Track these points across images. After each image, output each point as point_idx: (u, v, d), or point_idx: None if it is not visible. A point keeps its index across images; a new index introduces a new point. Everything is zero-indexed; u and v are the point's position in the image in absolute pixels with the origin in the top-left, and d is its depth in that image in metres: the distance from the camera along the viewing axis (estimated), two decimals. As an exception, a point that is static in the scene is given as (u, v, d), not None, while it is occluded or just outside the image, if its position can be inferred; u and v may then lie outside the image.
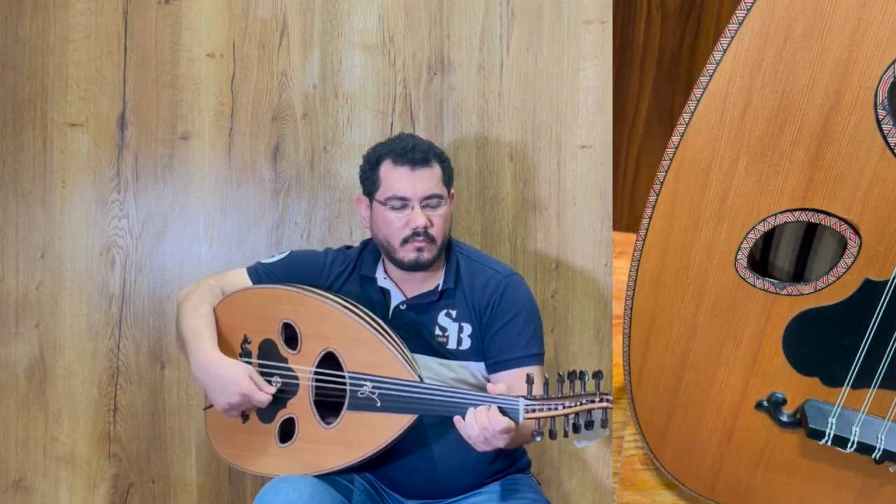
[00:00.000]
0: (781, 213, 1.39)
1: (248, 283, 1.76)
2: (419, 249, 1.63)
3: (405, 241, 1.63)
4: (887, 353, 1.32)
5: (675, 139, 1.54)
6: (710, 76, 1.45)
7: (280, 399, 1.67)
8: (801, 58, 1.34)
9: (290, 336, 1.68)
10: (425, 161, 1.63)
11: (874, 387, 1.37)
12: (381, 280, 1.72)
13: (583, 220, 2.14)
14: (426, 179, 1.62)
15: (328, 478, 1.62)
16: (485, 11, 2.11)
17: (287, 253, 1.80)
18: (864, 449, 1.41)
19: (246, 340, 1.71)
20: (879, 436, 1.39)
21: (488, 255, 1.80)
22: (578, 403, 1.41)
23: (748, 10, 1.36)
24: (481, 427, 1.44)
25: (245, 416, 1.71)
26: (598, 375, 1.43)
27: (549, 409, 1.43)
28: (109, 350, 2.14)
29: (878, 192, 1.30)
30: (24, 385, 2.13)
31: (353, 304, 1.65)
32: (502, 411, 1.44)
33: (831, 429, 1.41)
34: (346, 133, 2.14)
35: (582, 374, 1.43)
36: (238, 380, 1.61)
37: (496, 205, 2.15)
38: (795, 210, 1.37)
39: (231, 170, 2.13)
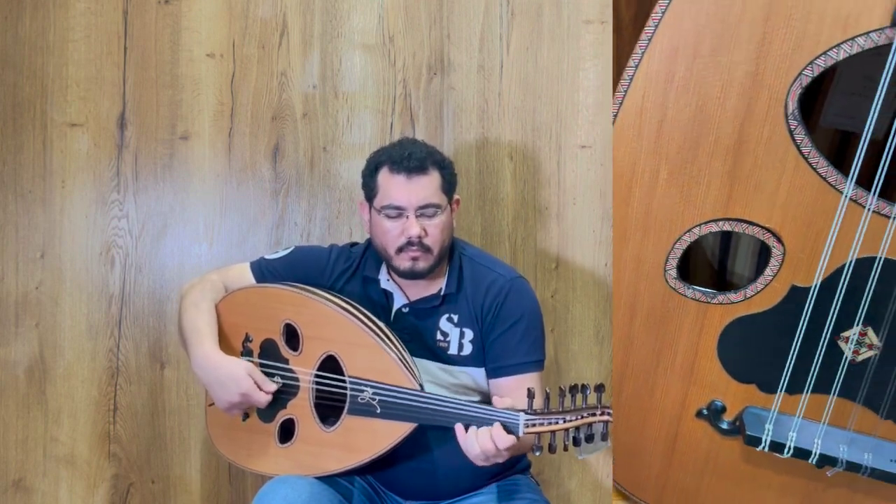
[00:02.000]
0: (705, 223, 1.43)
1: (251, 278, 1.76)
2: (414, 259, 1.62)
3: (400, 249, 1.62)
4: (816, 357, 1.33)
5: None
6: (625, 92, 1.47)
7: (280, 399, 1.67)
8: (712, 72, 1.37)
9: (292, 337, 1.68)
10: (422, 169, 1.61)
11: (807, 392, 1.38)
12: (384, 282, 1.72)
13: (583, 220, 2.14)
14: (422, 188, 1.61)
15: (328, 478, 1.62)
16: (485, 11, 2.11)
17: (291, 249, 1.79)
18: (802, 454, 1.41)
19: (247, 339, 1.71)
20: (815, 440, 1.39)
21: (494, 258, 1.79)
22: (579, 417, 1.40)
23: (656, 26, 1.39)
24: (483, 449, 1.43)
25: (245, 415, 1.71)
26: (599, 389, 1.42)
27: (550, 424, 1.42)
28: (109, 350, 2.14)
29: (797, 201, 1.33)
30: (24, 385, 2.13)
31: (355, 307, 1.65)
32: (505, 428, 1.44)
33: (768, 435, 1.42)
34: (346, 133, 2.13)
35: (583, 387, 1.42)
36: (238, 379, 1.61)
37: (496, 205, 2.15)
38: (719, 220, 1.40)
39: (231, 170, 2.13)
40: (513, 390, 1.58)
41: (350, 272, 1.75)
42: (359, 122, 2.13)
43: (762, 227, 1.35)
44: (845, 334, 1.34)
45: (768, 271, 1.36)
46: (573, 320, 2.16)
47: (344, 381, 1.61)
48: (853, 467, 1.39)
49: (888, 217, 1.19)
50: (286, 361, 1.68)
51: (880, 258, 1.23)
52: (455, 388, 1.68)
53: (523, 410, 1.44)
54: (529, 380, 1.63)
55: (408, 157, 1.61)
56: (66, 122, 2.11)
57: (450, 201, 1.67)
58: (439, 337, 1.69)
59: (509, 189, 2.14)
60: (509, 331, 1.66)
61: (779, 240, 1.34)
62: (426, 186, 1.62)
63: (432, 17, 2.12)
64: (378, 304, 1.72)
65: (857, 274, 1.26)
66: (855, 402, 1.35)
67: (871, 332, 1.32)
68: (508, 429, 1.43)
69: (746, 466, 1.50)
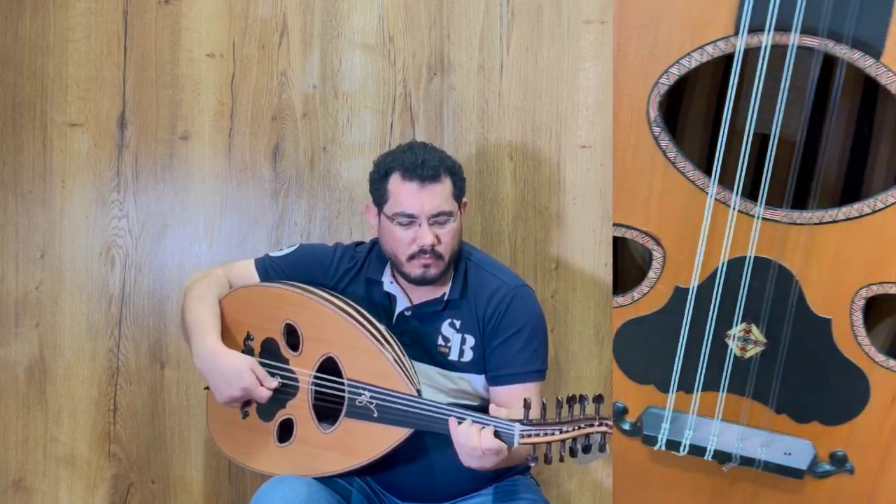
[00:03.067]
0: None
1: (255, 275, 1.75)
2: (426, 266, 1.61)
3: (412, 257, 1.61)
4: (703, 356, 1.36)
5: None
6: None
7: (280, 399, 1.67)
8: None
9: (292, 337, 1.68)
10: (435, 177, 1.60)
11: (698, 390, 1.40)
12: (388, 285, 1.71)
13: (583, 220, 2.14)
14: (435, 196, 1.60)
15: (326, 479, 1.62)
16: (485, 11, 2.11)
17: (296, 247, 1.79)
18: (697, 451, 1.43)
19: (249, 337, 1.72)
20: (711, 437, 1.41)
21: (500, 264, 1.79)
22: (576, 428, 1.40)
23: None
24: (471, 446, 1.44)
25: (245, 413, 1.72)
26: (598, 399, 1.41)
27: (546, 434, 1.42)
28: (109, 350, 2.14)
29: (670, 205, 1.33)
30: (24, 385, 2.13)
31: (356, 310, 1.65)
32: (497, 435, 1.44)
33: (664, 434, 1.44)
34: (346, 133, 2.13)
35: (581, 397, 1.42)
36: (241, 373, 1.61)
37: (496, 205, 2.15)
38: (614, 225, 1.43)
39: (231, 170, 2.13)
40: (512, 399, 1.57)
41: (353, 272, 1.74)
42: (359, 122, 2.13)
43: (641, 231, 1.37)
44: (730, 332, 1.36)
45: (651, 274, 1.38)
46: (573, 320, 2.16)
47: (343, 384, 1.61)
48: (747, 462, 1.41)
49: (753, 217, 1.23)
50: (286, 361, 1.68)
51: (750, 257, 1.26)
52: (454, 393, 1.68)
53: (519, 421, 1.44)
54: (529, 390, 1.63)
55: (421, 164, 1.60)
56: (66, 122, 2.11)
57: (459, 206, 1.67)
58: (440, 342, 1.68)
59: (509, 189, 2.14)
60: (511, 339, 1.65)
61: (658, 243, 1.36)
62: (439, 194, 1.61)
63: (432, 17, 2.12)
64: (380, 306, 1.71)
65: (732, 273, 1.29)
66: (745, 398, 1.38)
67: (755, 329, 1.35)
68: (500, 436, 1.44)
69: (654, 466, 1.52)
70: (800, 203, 1.27)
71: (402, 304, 1.71)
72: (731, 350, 1.38)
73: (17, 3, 2.08)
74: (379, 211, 1.66)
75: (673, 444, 1.45)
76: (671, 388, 1.42)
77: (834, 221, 1.22)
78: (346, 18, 2.12)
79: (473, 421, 1.46)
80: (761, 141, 1.25)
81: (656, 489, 1.53)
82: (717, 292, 1.33)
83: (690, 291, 1.34)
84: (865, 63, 1.12)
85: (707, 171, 1.26)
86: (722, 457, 1.43)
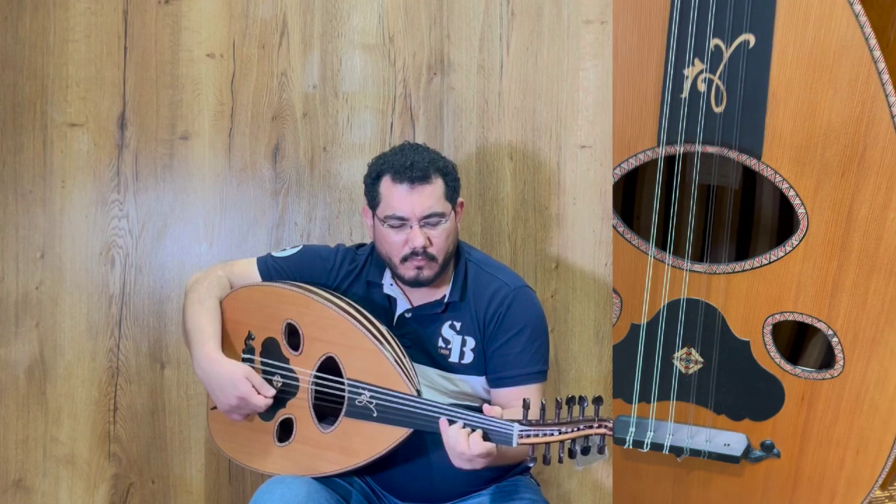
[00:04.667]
0: None
1: (256, 275, 1.76)
2: (419, 268, 1.62)
3: (405, 259, 1.62)
4: (655, 374, 1.78)
5: None
6: None
7: (280, 399, 1.67)
8: None
9: (293, 337, 1.68)
10: (425, 178, 1.60)
11: (654, 400, 1.79)
12: (388, 287, 1.72)
13: (583, 220, 2.14)
14: (426, 198, 1.60)
15: (326, 479, 1.62)
16: (485, 11, 2.11)
17: (300, 248, 1.79)
18: (657, 447, 1.82)
19: (250, 337, 1.72)
20: (667, 435, 1.80)
21: (500, 264, 1.79)
22: (575, 429, 1.40)
23: None
24: (459, 450, 1.44)
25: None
26: (597, 401, 1.42)
27: (545, 435, 1.42)
28: (109, 350, 2.14)
29: (621, 264, 1.86)
30: (24, 385, 2.13)
31: (356, 310, 1.65)
32: (485, 436, 1.44)
33: (630, 436, 1.83)
34: (346, 133, 2.14)
35: (581, 399, 1.42)
36: (236, 382, 1.61)
37: (496, 205, 2.15)
38: None
39: (231, 170, 2.13)
40: (514, 401, 1.57)
41: (354, 274, 1.75)
42: (359, 122, 2.13)
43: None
44: (675, 355, 1.78)
45: (614, 315, 1.84)
46: (573, 320, 2.16)
47: (343, 383, 1.61)
48: (696, 453, 1.80)
49: (682, 269, 1.69)
50: (287, 361, 1.68)
51: (683, 299, 1.69)
52: (454, 395, 1.68)
53: (518, 421, 1.44)
54: (531, 391, 1.63)
55: (410, 166, 1.60)
56: (66, 122, 2.11)
57: (453, 207, 1.66)
58: (441, 344, 1.69)
59: (509, 189, 2.14)
60: (512, 341, 1.65)
61: (616, 293, 1.82)
62: (429, 196, 1.61)
63: (432, 17, 2.12)
64: (381, 307, 1.72)
65: (671, 311, 1.70)
66: (691, 403, 1.78)
67: (694, 352, 1.77)
68: (488, 437, 1.44)
69: (625, 462, 1.91)
70: (716, 258, 1.71)
71: (402, 307, 1.71)
72: (677, 368, 1.79)
73: (17, 3, 2.08)
74: (373, 214, 1.67)
75: (637, 443, 1.82)
76: (633, 399, 1.82)
77: (743, 270, 1.66)
78: (346, 18, 2.12)
79: (465, 424, 1.46)
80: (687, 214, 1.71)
81: (630, 480, 1.93)
82: (662, 326, 1.75)
83: (642, 327, 1.76)
84: (751, 162, 1.58)
85: (647, 236, 1.69)
86: (676, 451, 1.81)
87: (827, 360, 1.82)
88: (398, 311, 1.71)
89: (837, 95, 1.48)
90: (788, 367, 1.75)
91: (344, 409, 1.61)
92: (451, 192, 1.66)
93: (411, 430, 1.55)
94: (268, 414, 1.69)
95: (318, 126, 2.13)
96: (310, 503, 1.53)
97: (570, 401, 1.42)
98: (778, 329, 1.73)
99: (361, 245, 1.81)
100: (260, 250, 2.10)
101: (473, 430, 1.45)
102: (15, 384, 2.13)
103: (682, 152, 1.57)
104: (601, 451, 1.40)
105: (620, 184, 1.70)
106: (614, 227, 1.73)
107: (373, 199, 1.66)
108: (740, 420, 1.81)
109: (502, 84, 2.13)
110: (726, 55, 1.52)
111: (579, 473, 2.19)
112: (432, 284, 1.66)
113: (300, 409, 1.66)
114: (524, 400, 1.46)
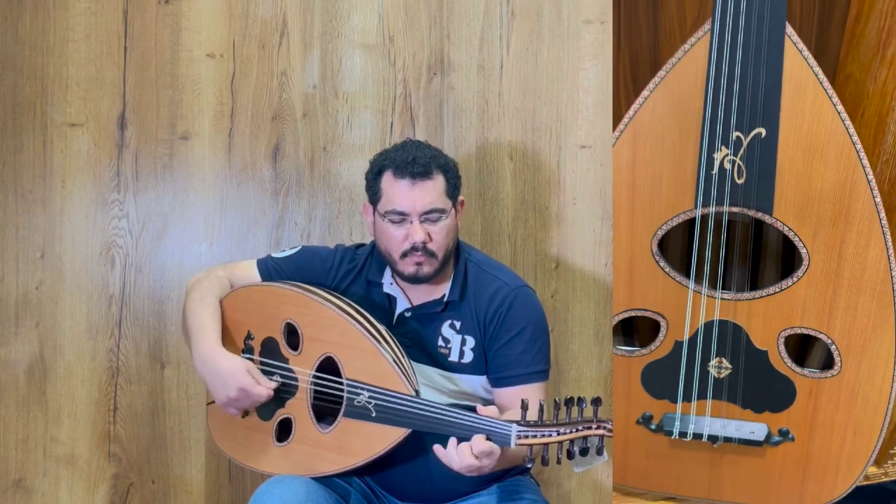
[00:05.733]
0: (623, 311, 2.24)
1: (256, 276, 1.76)
2: (418, 264, 1.62)
3: (404, 254, 1.62)
4: (695, 379, 2.21)
5: None
6: None
7: (279, 398, 1.67)
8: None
9: (292, 336, 1.69)
10: (426, 174, 1.61)
11: (694, 399, 2.23)
12: (388, 286, 1.72)
13: (583, 220, 2.14)
14: (426, 193, 1.61)
15: (325, 479, 1.62)
16: (485, 11, 2.11)
17: (298, 249, 1.79)
18: (697, 436, 2.25)
19: (249, 336, 1.72)
20: (705, 427, 2.25)
21: (500, 264, 1.79)
22: (574, 430, 1.40)
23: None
24: (465, 464, 1.45)
25: (245, 412, 1.72)
26: (596, 402, 1.42)
27: (543, 436, 1.41)
28: (109, 350, 2.14)
29: (667, 294, 2.19)
30: (24, 385, 2.13)
31: (356, 310, 1.65)
32: (490, 437, 1.44)
33: (676, 428, 2.25)
34: (346, 133, 2.14)
35: (580, 400, 1.42)
36: (237, 374, 1.61)
37: (496, 205, 2.15)
38: (633, 310, 2.21)
39: (231, 170, 2.13)
40: (516, 400, 1.56)
41: (354, 274, 1.75)
42: (359, 122, 2.14)
43: (654, 312, 2.20)
44: (710, 363, 2.21)
45: (661, 335, 2.20)
46: (573, 320, 2.16)
47: (342, 383, 1.61)
48: (728, 440, 2.25)
49: (715, 298, 2.16)
50: (286, 360, 1.68)
51: (716, 320, 2.16)
52: (454, 394, 1.68)
53: (516, 422, 1.44)
54: (533, 390, 1.64)
55: (411, 161, 1.60)
56: (66, 122, 2.11)
57: (454, 204, 1.67)
58: (440, 343, 1.69)
59: (509, 189, 2.14)
60: (513, 341, 1.66)
61: (663, 317, 2.19)
62: (430, 191, 1.61)
63: (432, 17, 2.12)
64: (380, 307, 1.72)
65: (707, 330, 2.18)
66: (723, 401, 2.24)
67: (724, 360, 2.21)
68: (492, 440, 1.44)
69: (672, 450, 2.31)
70: (740, 288, 2.22)
71: (401, 306, 1.71)
72: (712, 374, 2.23)
73: (17, 3, 2.09)
74: (374, 209, 1.67)
75: (682, 434, 2.26)
76: (678, 399, 2.25)
77: (761, 297, 2.14)
78: (346, 18, 2.12)
79: (462, 427, 1.47)
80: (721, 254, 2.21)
81: (675, 464, 2.33)
82: (700, 341, 2.20)
83: (684, 343, 2.20)
84: (764, 217, 2.08)
85: (687, 273, 2.17)
86: (713, 439, 2.26)
87: (828, 363, 2.20)
88: (398, 311, 1.71)
89: (828, 168, 2.04)
90: (798, 369, 2.20)
91: (343, 409, 1.61)
92: (452, 189, 1.66)
93: (410, 430, 1.55)
94: (267, 413, 1.69)
95: (318, 126, 2.13)
96: (308, 503, 1.53)
97: (569, 402, 1.42)
98: (789, 340, 2.18)
99: (361, 245, 1.81)
100: (260, 250, 2.11)
101: (469, 439, 1.46)
102: (15, 384, 2.13)
103: (714, 212, 2.10)
104: (600, 452, 1.40)
105: (668, 235, 2.17)
106: (661, 268, 2.14)
107: (374, 195, 1.66)
108: (762, 412, 2.25)
109: (502, 84, 2.13)
110: (745, 143, 2.04)
111: (579, 474, 2.19)
112: (431, 282, 1.66)
113: (299, 408, 1.66)
114: (522, 401, 1.46)
